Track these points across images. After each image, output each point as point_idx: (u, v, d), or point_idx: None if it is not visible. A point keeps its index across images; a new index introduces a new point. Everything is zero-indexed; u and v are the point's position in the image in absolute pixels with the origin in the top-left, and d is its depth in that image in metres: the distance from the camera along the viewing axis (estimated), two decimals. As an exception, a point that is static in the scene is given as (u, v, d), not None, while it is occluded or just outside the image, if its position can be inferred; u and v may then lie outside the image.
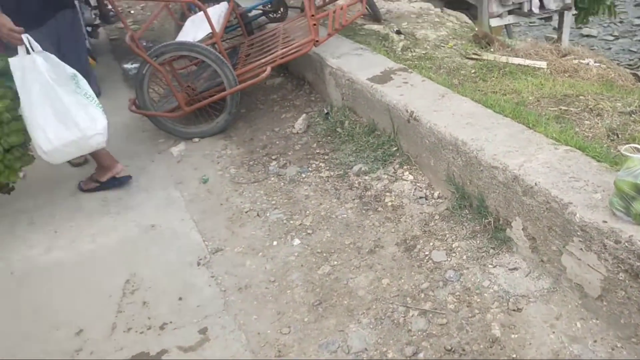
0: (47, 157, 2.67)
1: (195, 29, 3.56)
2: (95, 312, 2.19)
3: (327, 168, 2.94)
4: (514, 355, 1.75)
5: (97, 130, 2.71)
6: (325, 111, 3.44)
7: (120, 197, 3.01)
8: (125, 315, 2.15)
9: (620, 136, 2.36)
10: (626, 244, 1.59)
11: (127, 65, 5.31)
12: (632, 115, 2.51)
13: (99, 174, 3.06)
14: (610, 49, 11.10)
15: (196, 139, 3.53)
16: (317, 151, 3.13)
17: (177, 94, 3.39)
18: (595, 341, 1.74)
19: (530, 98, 2.84)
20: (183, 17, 4.17)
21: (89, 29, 5.15)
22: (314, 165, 3.00)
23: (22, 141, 2.68)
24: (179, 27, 4.05)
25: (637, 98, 2.66)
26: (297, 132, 3.39)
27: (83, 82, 2.74)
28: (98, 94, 2.94)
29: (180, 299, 2.20)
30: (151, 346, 2.00)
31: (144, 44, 5.26)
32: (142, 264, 2.44)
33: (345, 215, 2.55)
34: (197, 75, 3.83)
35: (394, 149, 2.84)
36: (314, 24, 3.33)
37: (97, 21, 5.71)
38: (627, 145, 1.73)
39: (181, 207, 2.85)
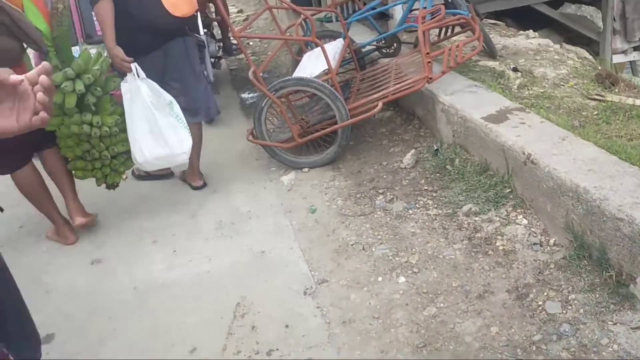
0: (140, 166, 3.20)
1: (312, 65, 3.71)
2: (208, 331, 2.31)
3: (435, 206, 2.92)
4: None
5: (184, 149, 3.17)
6: (435, 147, 3.42)
7: (234, 222, 3.17)
8: (235, 338, 2.25)
9: None
10: None
11: (245, 95, 5.62)
12: None
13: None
14: None
15: (306, 169, 3.65)
16: (425, 188, 3.12)
17: (292, 126, 3.54)
18: None
19: (659, 144, 2.66)
20: (300, 52, 4.36)
21: (213, 60, 5.51)
22: (421, 202, 2.99)
23: (126, 150, 3.15)
24: (295, 62, 4.24)
25: None
26: (405, 167, 3.40)
27: (177, 107, 3.15)
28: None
29: (287, 326, 2.27)
30: (258, 371, 2.08)
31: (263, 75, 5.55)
32: (252, 289, 2.55)
33: (453, 256, 2.51)
34: (310, 108, 3.97)
35: (507, 190, 2.76)
36: (428, 62, 3.35)
37: (220, 53, 6.11)
38: None
39: (290, 236, 2.95)
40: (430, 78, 3.37)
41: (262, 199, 3.40)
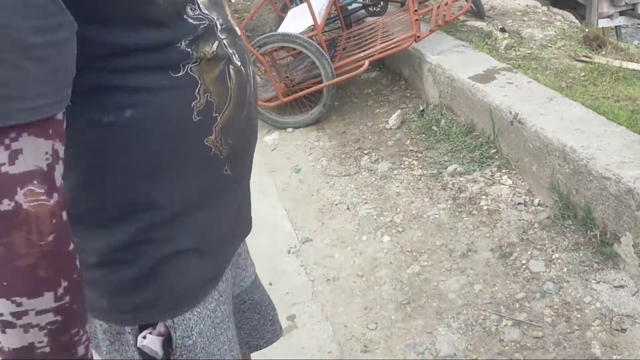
0: None
1: (296, 21, 3.61)
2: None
3: (420, 166, 2.90)
4: (616, 379, 1.65)
5: None
6: (421, 108, 3.38)
7: (216, 181, 3.12)
8: (217, 295, 2.23)
9: None
10: None
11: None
12: None
13: None
14: None
15: (290, 129, 3.60)
16: (411, 148, 3.09)
17: (276, 84, 3.46)
18: None
19: (647, 106, 2.65)
20: (285, 9, 4.24)
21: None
22: (406, 163, 2.97)
23: None
24: (280, 19, 4.13)
25: None
26: (391, 128, 3.36)
27: None
28: None
29: (270, 284, 2.25)
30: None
31: (246, 34, 5.40)
32: (234, 247, 2.51)
33: (437, 216, 2.50)
34: (295, 66, 3.89)
35: (493, 151, 2.74)
36: (416, 19, 3.27)
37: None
38: None
39: (273, 195, 2.91)
40: (418, 36, 3.31)
41: (245, 158, 3.34)
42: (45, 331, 0.56)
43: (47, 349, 0.57)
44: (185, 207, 0.72)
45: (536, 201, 2.41)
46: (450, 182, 2.70)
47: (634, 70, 3.33)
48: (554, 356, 1.75)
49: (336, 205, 2.75)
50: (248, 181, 0.89)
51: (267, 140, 3.49)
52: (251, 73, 0.79)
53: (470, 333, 1.88)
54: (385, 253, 2.35)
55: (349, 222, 2.60)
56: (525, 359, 1.76)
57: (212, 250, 0.80)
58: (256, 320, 1.09)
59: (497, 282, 2.07)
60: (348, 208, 2.70)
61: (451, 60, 3.29)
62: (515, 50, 3.61)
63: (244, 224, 0.92)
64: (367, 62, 3.34)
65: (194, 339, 0.79)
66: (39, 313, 0.56)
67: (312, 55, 3.34)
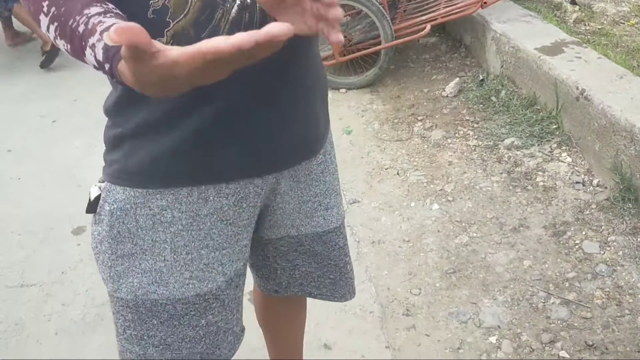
0: None
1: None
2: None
3: (476, 137, 2.83)
4: (666, 368, 1.61)
5: None
6: (481, 77, 3.28)
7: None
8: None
9: None
10: None
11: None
12: None
13: None
14: None
15: (343, 90, 3.56)
16: (467, 118, 3.02)
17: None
18: None
19: None
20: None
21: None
22: (461, 132, 2.91)
23: None
24: (341, -24, 4.03)
25: None
26: (447, 96, 3.28)
27: None
28: None
29: (316, 241, 2.26)
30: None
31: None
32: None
33: (490, 188, 2.45)
34: (353, 26, 3.81)
35: (554, 126, 2.65)
36: (486, -16, 3.15)
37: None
38: None
39: (324, 154, 2.91)
40: (485, 2, 3.19)
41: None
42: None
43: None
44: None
45: (595, 181, 2.33)
46: (506, 155, 2.63)
47: None
48: (600, 338, 1.71)
49: (386, 169, 2.72)
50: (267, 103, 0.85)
51: (319, 100, 3.46)
52: (237, 7, 0.76)
53: (516, 307, 1.86)
54: (434, 221, 2.33)
55: (397, 187, 2.57)
56: (571, 337, 1.73)
57: (183, 147, 0.83)
58: (313, 268, 1.10)
59: (548, 260, 2.03)
60: (398, 173, 2.68)
61: (517, 30, 3.16)
62: (585, 25, 3.45)
63: (270, 151, 0.89)
64: (428, 26, 3.25)
65: (106, 209, 0.87)
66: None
67: (373, 15, 3.27)
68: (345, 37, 3.49)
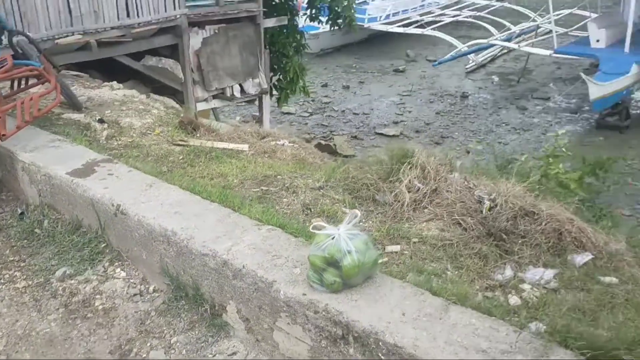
0: None
1: None
2: None
3: (24, 277, 2.58)
4: None
5: None
6: (20, 211, 3.05)
7: None
8: None
9: (312, 210, 2.64)
10: (323, 312, 1.74)
11: None
12: (321, 190, 2.84)
13: None
14: (307, 124, 12.76)
15: None
16: (11, 259, 2.72)
17: None
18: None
19: (235, 181, 3.00)
20: None
21: None
22: (7, 276, 2.60)
23: None
24: None
25: (323, 174, 3.03)
26: (-15, 239, 2.92)
27: None
28: None
29: None
30: None
31: None
32: None
33: (48, 330, 2.24)
34: None
35: (103, 245, 2.65)
36: (0, 117, 2.98)
37: None
38: (315, 223, 1.92)
39: None
40: (4, 135, 3.01)
41: None
42: None
43: None
44: None
45: (151, 288, 2.42)
46: (61, 288, 2.47)
47: (223, 149, 3.76)
48: None
49: None
50: None
51: None
52: None
53: None
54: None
55: None
56: None
57: None
58: None
59: (121, 386, 1.95)
60: None
61: (47, 157, 3.09)
62: (116, 140, 3.66)
63: None
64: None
65: None
66: None
67: None
68: None
